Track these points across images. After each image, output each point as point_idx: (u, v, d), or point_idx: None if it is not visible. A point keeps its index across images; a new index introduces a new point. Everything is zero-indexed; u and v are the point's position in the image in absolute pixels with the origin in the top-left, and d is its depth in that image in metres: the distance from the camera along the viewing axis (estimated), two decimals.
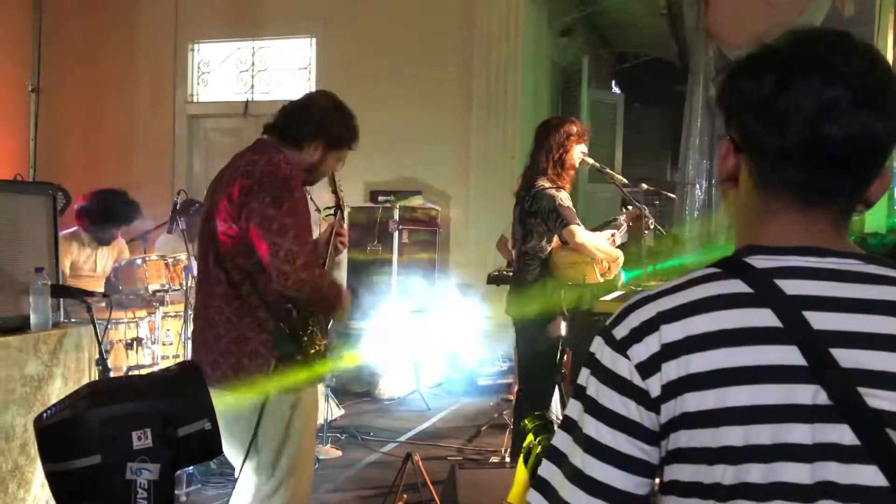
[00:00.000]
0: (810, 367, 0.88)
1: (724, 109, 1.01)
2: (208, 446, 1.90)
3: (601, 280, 3.94)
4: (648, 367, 0.91)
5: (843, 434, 0.87)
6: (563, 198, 3.75)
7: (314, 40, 8.19)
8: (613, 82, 10.90)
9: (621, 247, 4.08)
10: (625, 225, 4.09)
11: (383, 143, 7.46)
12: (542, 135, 3.86)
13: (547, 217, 3.75)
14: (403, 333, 6.45)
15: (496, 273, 5.02)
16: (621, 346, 0.94)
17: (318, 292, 2.47)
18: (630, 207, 4.12)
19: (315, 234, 2.80)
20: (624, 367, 0.93)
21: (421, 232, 7.08)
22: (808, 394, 0.87)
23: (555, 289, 3.84)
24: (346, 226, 2.77)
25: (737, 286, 0.92)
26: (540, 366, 3.90)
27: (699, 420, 0.89)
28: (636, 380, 0.92)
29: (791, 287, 0.91)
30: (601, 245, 3.85)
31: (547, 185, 3.77)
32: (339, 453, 4.90)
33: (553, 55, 8.51)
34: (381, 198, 7.04)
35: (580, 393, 0.97)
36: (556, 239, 3.84)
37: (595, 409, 0.94)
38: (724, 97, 1.01)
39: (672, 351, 0.91)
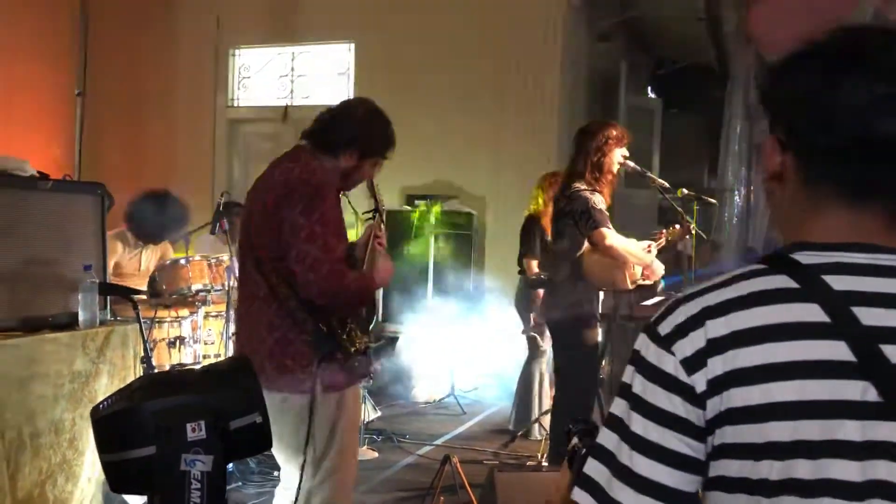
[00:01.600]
0: (859, 363, 0.87)
1: (770, 106, 1.01)
2: (259, 439, 1.93)
3: (631, 287, 3.91)
4: (694, 363, 0.91)
5: (893, 432, 0.86)
6: (597, 200, 3.74)
7: (353, 45, 8.26)
8: (650, 88, 10.84)
9: (658, 253, 4.05)
10: (663, 240, 4.05)
11: (420, 146, 7.48)
12: (582, 139, 3.87)
13: (579, 218, 3.74)
14: (439, 337, 6.46)
15: (537, 277, 5.01)
16: (666, 343, 0.93)
17: (341, 299, 2.52)
18: (675, 226, 4.08)
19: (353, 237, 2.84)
20: (669, 364, 0.92)
21: (457, 236, 7.09)
22: (857, 390, 0.86)
23: (585, 291, 3.81)
24: (384, 228, 2.80)
25: (783, 281, 0.92)
26: (577, 372, 3.87)
27: (745, 415, 0.89)
28: (682, 376, 0.91)
29: (839, 283, 0.90)
30: (633, 249, 3.81)
31: (583, 187, 3.77)
32: (376, 455, 4.92)
33: (591, 60, 8.48)
34: (417, 201, 7.06)
35: (626, 390, 0.96)
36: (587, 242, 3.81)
37: (641, 406, 0.94)
38: (769, 94, 1.02)
39: (717, 346, 0.90)
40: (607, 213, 3.77)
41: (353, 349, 2.61)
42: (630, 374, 0.97)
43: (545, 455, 4.52)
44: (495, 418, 6.02)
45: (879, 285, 0.90)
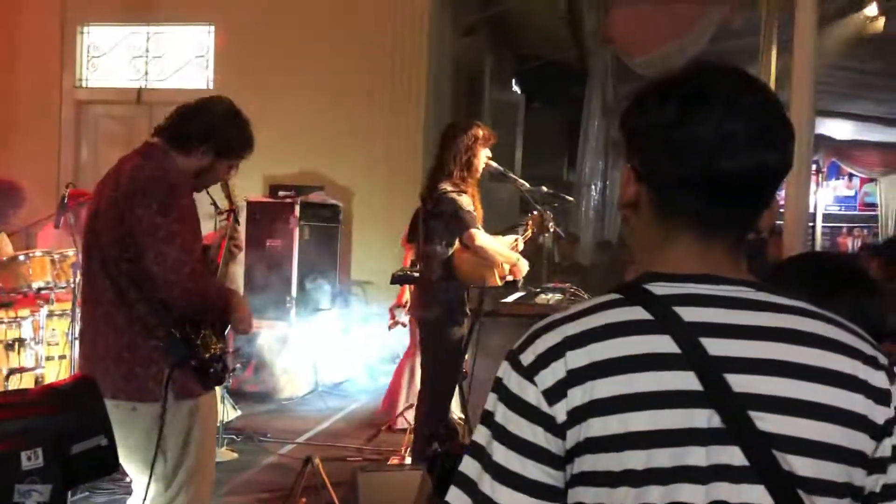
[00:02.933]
0: (706, 392, 0.91)
1: (626, 137, 1.04)
2: (104, 463, 1.81)
3: (500, 283, 4.00)
4: (555, 393, 0.92)
5: (734, 456, 0.90)
6: (465, 202, 3.78)
7: (213, 28, 7.95)
8: (514, 83, 11.07)
9: (525, 246, 4.15)
10: (528, 231, 4.15)
11: (284, 135, 7.31)
12: (450, 137, 3.87)
13: (448, 220, 3.78)
14: (303, 332, 6.35)
15: (401, 273, 5.00)
16: (528, 373, 0.94)
17: (205, 301, 2.45)
18: (534, 213, 4.18)
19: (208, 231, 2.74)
20: (531, 394, 0.93)
21: (323, 228, 6.98)
22: (704, 418, 0.90)
23: (456, 289, 3.88)
24: (240, 230, 2.71)
25: (638, 313, 0.95)
26: (442, 366, 3.92)
27: (603, 444, 0.91)
28: (543, 406, 0.93)
29: (689, 314, 0.94)
30: (501, 249, 3.91)
31: (449, 188, 3.79)
32: (236, 456, 4.78)
33: (457, 54, 8.56)
34: (281, 192, 6.89)
35: (488, 418, 0.97)
36: (457, 241, 3.87)
37: (503, 437, 0.94)
38: (626, 125, 1.04)
39: (577, 377, 0.92)
40: (475, 214, 3.82)
41: (208, 355, 2.52)
42: (493, 402, 0.97)
43: (408, 450, 4.54)
44: (360, 412, 5.99)
45: (725, 316, 0.94)
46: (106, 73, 8.22)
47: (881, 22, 7.09)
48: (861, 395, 0.93)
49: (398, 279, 4.93)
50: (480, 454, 0.96)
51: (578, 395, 0.91)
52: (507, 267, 3.98)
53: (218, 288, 2.57)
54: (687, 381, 0.91)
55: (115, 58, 8.18)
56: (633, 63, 8.21)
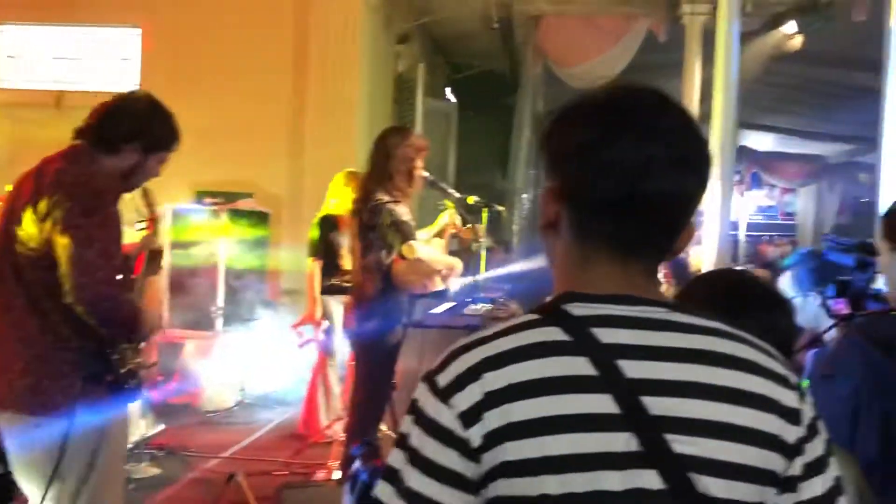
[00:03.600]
0: (623, 415, 0.91)
1: (547, 157, 1.03)
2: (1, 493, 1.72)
3: (444, 287, 3.98)
4: (471, 417, 0.91)
5: (650, 479, 0.90)
6: (402, 213, 3.70)
7: (139, 31, 7.74)
8: (449, 91, 11.11)
9: (456, 253, 4.14)
10: (451, 229, 4.11)
11: (212, 141, 7.15)
12: (389, 146, 3.74)
13: (386, 232, 3.70)
14: (230, 342, 6.22)
15: (332, 283, 4.94)
16: (444, 395, 0.93)
17: (114, 311, 2.33)
18: (447, 208, 4.14)
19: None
20: (447, 417, 0.92)
21: (251, 236, 6.85)
22: (621, 441, 0.90)
23: (395, 300, 3.81)
24: (161, 243, 2.62)
25: (556, 334, 0.94)
26: (376, 376, 3.86)
27: (519, 469, 0.90)
28: (458, 430, 0.91)
29: (606, 336, 0.94)
30: (439, 258, 3.89)
31: (386, 198, 3.69)
32: (157, 471, 4.63)
33: (390, 62, 8.54)
34: (207, 199, 6.74)
35: (403, 442, 0.95)
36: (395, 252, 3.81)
37: (418, 461, 0.93)
38: (546, 145, 1.03)
39: (494, 399, 0.91)
40: (413, 224, 3.76)
41: (124, 370, 2.43)
42: (408, 425, 0.96)
43: (338, 462, 4.48)
44: (289, 424, 5.89)
45: (641, 338, 0.94)
46: (24, 75, 7.92)
47: (799, 39, 7.35)
48: (773, 414, 0.94)
49: (329, 290, 4.89)
50: (394, 479, 0.94)
51: (495, 419, 0.90)
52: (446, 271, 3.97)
53: (131, 301, 2.47)
54: (604, 404, 0.91)
55: (33, 58, 7.90)
56: (563, 74, 8.32)
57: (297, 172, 7.34)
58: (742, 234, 14.09)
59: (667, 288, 6.15)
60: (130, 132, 2.44)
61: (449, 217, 4.10)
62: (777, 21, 7.33)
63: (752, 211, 14.47)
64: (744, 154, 12.31)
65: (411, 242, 3.66)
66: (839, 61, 8.30)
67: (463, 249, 6.25)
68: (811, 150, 12.70)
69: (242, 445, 5.32)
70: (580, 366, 0.92)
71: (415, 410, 0.95)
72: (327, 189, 5.49)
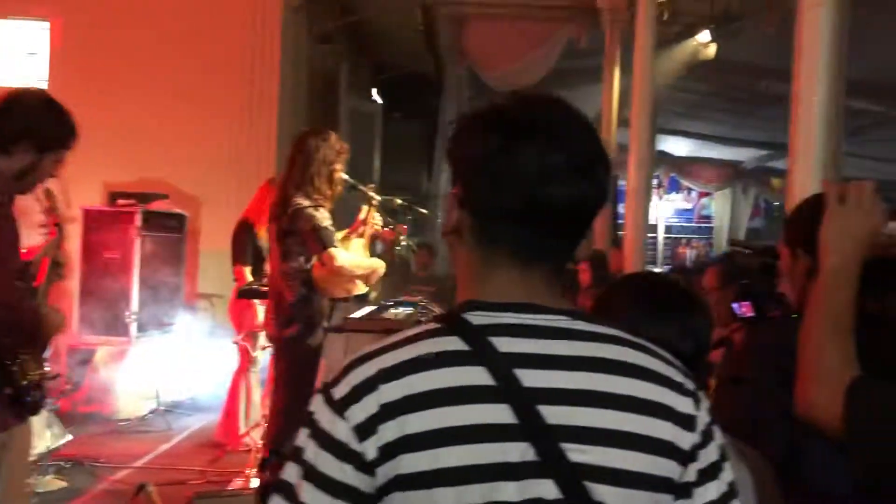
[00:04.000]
0: (520, 425, 0.90)
1: (452, 164, 1.03)
2: None
3: (367, 289, 3.91)
4: (366, 430, 0.89)
5: (547, 489, 0.89)
6: (322, 218, 3.60)
7: (48, 24, 7.43)
8: (375, 92, 11.04)
9: (380, 255, 4.08)
10: (370, 230, 4.05)
11: (126, 140, 6.95)
12: (305, 147, 3.64)
13: (305, 238, 3.62)
14: (144, 349, 6.02)
15: (250, 287, 4.82)
16: (339, 407, 0.91)
17: (12, 318, 2.21)
18: (366, 207, 4.09)
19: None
20: (341, 431, 0.90)
21: (166, 239, 6.64)
22: (518, 451, 0.89)
23: (318, 305, 3.74)
24: (68, 247, 2.51)
25: (455, 343, 0.93)
26: (296, 382, 3.78)
27: (414, 482, 0.88)
28: (353, 443, 0.89)
29: (505, 344, 0.93)
30: (361, 262, 3.81)
31: (306, 203, 3.58)
32: (64, 484, 4.44)
33: (312, 61, 8.42)
34: (120, 200, 6.50)
35: (298, 455, 0.92)
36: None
37: (312, 476, 0.91)
38: (451, 152, 1.03)
39: (390, 412, 0.89)
40: (333, 230, 3.68)
41: (25, 381, 2.31)
42: (304, 438, 0.93)
43: (255, 470, 4.38)
44: (206, 431, 5.73)
45: (540, 347, 0.94)
46: None
47: (713, 48, 7.58)
48: (669, 421, 0.95)
49: (246, 293, 4.78)
50: (289, 493, 0.92)
51: (390, 431, 0.89)
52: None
53: (31, 308, 2.36)
54: (501, 414, 0.90)
55: None
56: (487, 77, 8.38)
57: (215, 173, 7.16)
58: (661, 236, 14.48)
59: (588, 290, 6.25)
60: (20, 131, 2.32)
61: (366, 214, 4.03)
62: (692, 30, 7.54)
63: (670, 214, 14.88)
64: (662, 159, 12.65)
65: (331, 250, 3.58)
66: (752, 70, 8.60)
67: (386, 251, 6.22)
68: (727, 155, 13.14)
69: (157, 454, 5.16)
70: (478, 376, 0.91)
71: (310, 423, 0.93)
72: (246, 190, 5.39)
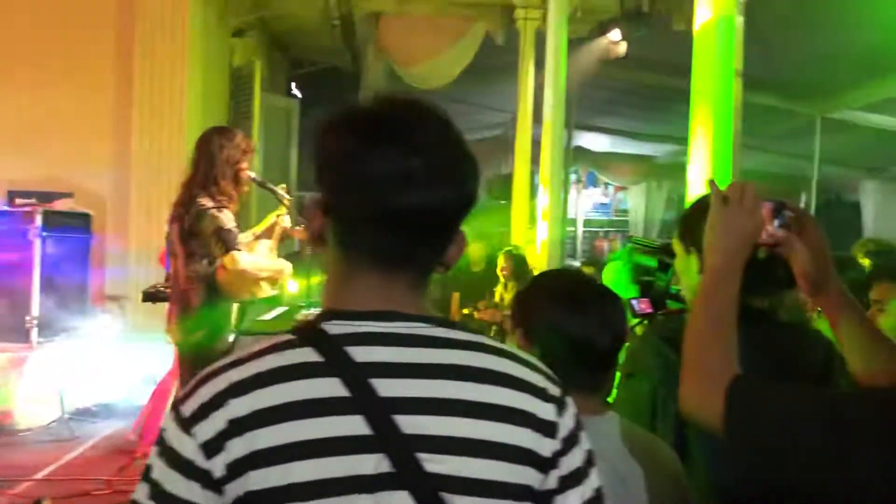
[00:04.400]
0: (375, 436, 0.88)
1: (314, 169, 1.00)
2: None
3: (274, 292, 3.83)
4: (213, 447, 0.87)
5: (403, 500, 0.88)
6: (226, 220, 3.50)
7: None
8: (294, 86, 10.86)
9: (295, 255, 3.99)
10: (278, 229, 3.97)
11: (25, 137, 6.64)
12: (209, 147, 3.56)
13: (208, 240, 3.52)
14: (46, 355, 5.76)
15: (153, 290, 4.66)
16: (187, 425, 0.89)
17: None
18: (286, 219, 4.01)
19: None
20: (189, 448, 0.88)
21: (71, 240, 6.37)
22: (372, 463, 0.88)
23: (224, 310, 3.65)
24: None
25: (308, 355, 0.91)
26: None
27: (264, 498, 0.86)
28: (200, 461, 0.87)
29: (362, 354, 0.91)
30: (264, 265, 3.71)
31: (209, 204, 3.49)
32: None
33: (225, 56, 8.22)
34: (19, 200, 6.20)
35: (147, 473, 0.91)
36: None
37: (159, 495, 0.89)
38: (314, 156, 0.99)
39: (238, 427, 0.87)
40: (237, 231, 3.59)
41: None
42: (154, 456, 0.91)
43: None
44: (113, 440, 5.53)
45: (397, 355, 0.92)
46: None
47: (623, 46, 7.73)
48: (528, 428, 0.94)
49: (149, 296, 4.62)
50: None
51: (238, 447, 0.87)
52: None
53: None
54: (355, 425, 0.88)
55: None
56: (404, 73, 8.34)
57: (122, 171, 6.91)
58: (580, 230, 14.75)
59: (507, 284, 6.30)
60: None
61: (277, 217, 3.95)
62: (604, 28, 7.67)
63: (588, 208, 15.16)
64: (580, 154, 12.86)
65: (233, 253, 3.48)
66: (663, 67, 8.81)
67: (301, 250, 6.12)
68: (641, 150, 13.46)
69: (59, 464, 4.94)
70: (331, 387, 0.89)
71: (160, 441, 0.91)
72: (155, 188, 5.21)
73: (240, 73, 8.57)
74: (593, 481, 0.99)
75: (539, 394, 0.96)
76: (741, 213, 1.39)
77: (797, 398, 1.17)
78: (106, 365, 6.13)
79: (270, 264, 3.75)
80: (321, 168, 0.98)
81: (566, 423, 0.97)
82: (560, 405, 0.97)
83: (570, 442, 0.97)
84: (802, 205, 12.98)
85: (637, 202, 14.80)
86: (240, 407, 0.88)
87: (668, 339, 1.71)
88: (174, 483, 0.88)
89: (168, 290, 4.11)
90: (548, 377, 0.99)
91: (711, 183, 1.49)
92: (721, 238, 1.38)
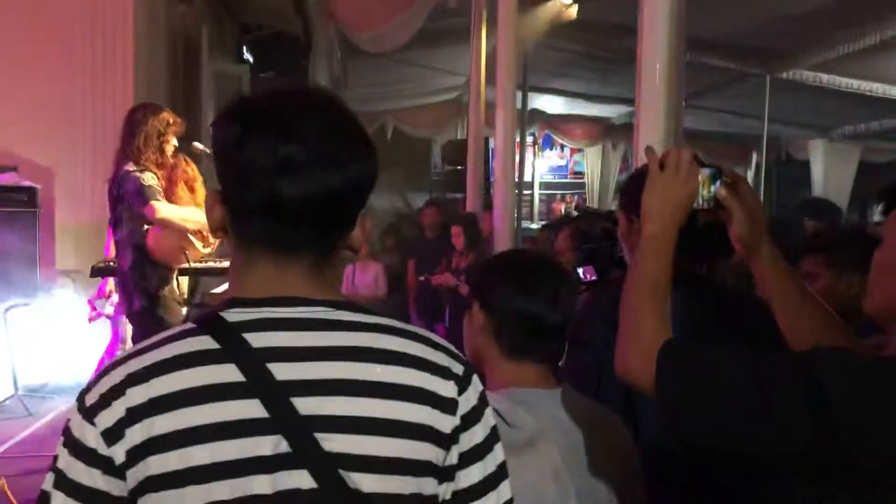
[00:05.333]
0: (271, 418, 0.91)
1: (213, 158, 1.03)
2: None
3: (207, 251, 3.83)
4: (113, 434, 0.91)
5: (302, 479, 0.91)
6: (147, 178, 3.61)
7: None
8: (244, 51, 10.63)
9: None
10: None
11: None
12: (139, 121, 3.69)
13: (132, 201, 3.56)
14: None
15: (102, 264, 4.58)
16: (89, 414, 0.93)
17: None
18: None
19: None
20: (91, 437, 0.92)
21: (16, 214, 6.23)
22: (270, 445, 0.91)
23: (158, 274, 3.66)
24: None
25: (206, 342, 0.94)
26: None
27: (164, 482, 0.90)
28: (101, 448, 0.91)
29: (259, 340, 0.94)
30: (188, 215, 3.68)
31: (133, 168, 3.61)
32: None
33: (172, 22, 8.00)
34: None
35: (53, 463, 0.94)
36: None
37: (64, 484, 0.92)
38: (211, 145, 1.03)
39: (136, 415, 0.91)
40: (159, 188, 3.63)
41: None
42: (60, 446, 0.95)
43: None
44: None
45: (296, 339, 0.95)
46: None
47: (574, 9, 7.70)
48: (427, 406, 0.97)
49: (98, 271, 4.55)
50: (46, 503, 0.94)
51: (137, 434, 0.91)
52: (206, 233, 3.79)
53: None
54: (251, 409, 0.91)
55: None
56: (356, 38, 8.22)
57: (68, 142, 6.73)
58: (536, 193, 14.79)
59: (461, 252, 6.31)
60: None
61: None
62: None
63: (545, 171, 15.21)
64: (536, 116, 12.86)
65: (153, 202, 3.53)
66: (615, 29, 8.81)
67: None
68: (596, 112, 13.49)
69: (13, 442, 4.89)
70: (227, 373, 0.93)
71: (65, 430, 0.95)
72: (103, 158, 5.07)
73: (187, 38, 8.36)
74: (497, 457, 1.02)
75: (440, 372, 0.99)
76: (676, 179, 1.41)
77: (725, 358, 1.21)
78: (60, 340, 6.04)
79: (194, 214, 3.70)
80: (214, 159, 1.01)
81: (468, 400, 1.00)
82: (462, 382, 1.00)
83: (472, 418, 1.00)
84: (753, 164, 13.22)
85: (593, 164, 14.88)
86: (137, 395, 0.91)
87: (608, 301, 1.74)
88: (77, 471, 0.92)
89: (113, 264, 4.08)
90: (452, 356, 1.02)
91: (648, 150, 1.51)
92: (656, 204, 1.41)
